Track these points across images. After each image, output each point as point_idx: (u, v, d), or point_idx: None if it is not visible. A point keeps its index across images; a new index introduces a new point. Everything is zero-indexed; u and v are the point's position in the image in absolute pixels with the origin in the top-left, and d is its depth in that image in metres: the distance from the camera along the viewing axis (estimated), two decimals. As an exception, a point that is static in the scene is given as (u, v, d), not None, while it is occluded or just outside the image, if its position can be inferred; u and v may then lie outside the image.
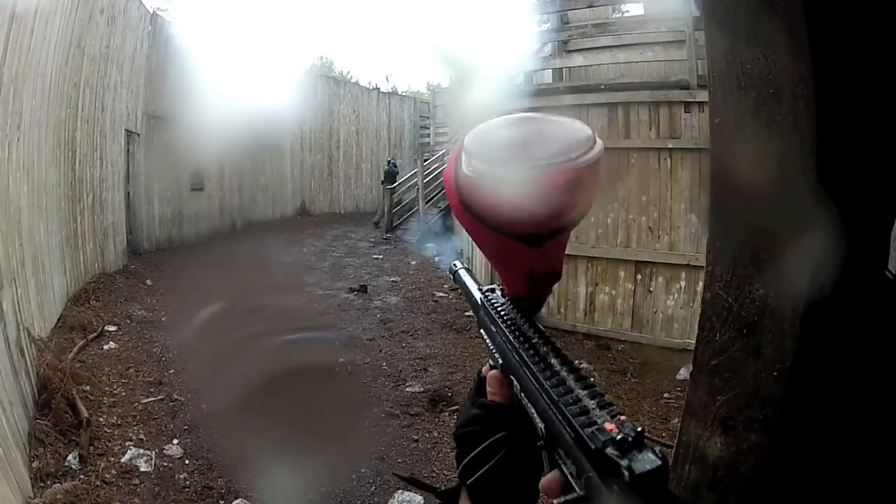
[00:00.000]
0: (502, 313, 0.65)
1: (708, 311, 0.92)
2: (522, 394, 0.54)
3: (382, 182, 13.94)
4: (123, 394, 4.31)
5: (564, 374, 0.50)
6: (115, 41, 7.78)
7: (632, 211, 5.56)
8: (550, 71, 7.49)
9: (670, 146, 5.28)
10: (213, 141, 8.55)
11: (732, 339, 0.86)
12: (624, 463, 0.38)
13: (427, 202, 12.28)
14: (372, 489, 3.43)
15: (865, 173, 0.75)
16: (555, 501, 0.46)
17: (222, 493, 3.31)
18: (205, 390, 4.38)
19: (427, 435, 4.03)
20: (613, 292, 5.72)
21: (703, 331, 0.92)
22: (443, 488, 0.66)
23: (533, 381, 0.52)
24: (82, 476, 3.19)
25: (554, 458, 0.47)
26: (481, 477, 0.58)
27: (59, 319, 5.22)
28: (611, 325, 5.72)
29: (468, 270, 0.81)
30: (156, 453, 3.59)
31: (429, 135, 18.11)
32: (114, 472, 3.33)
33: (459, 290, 0.83)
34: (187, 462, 3.58)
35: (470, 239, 0.70)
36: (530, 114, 0.65)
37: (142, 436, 3.78)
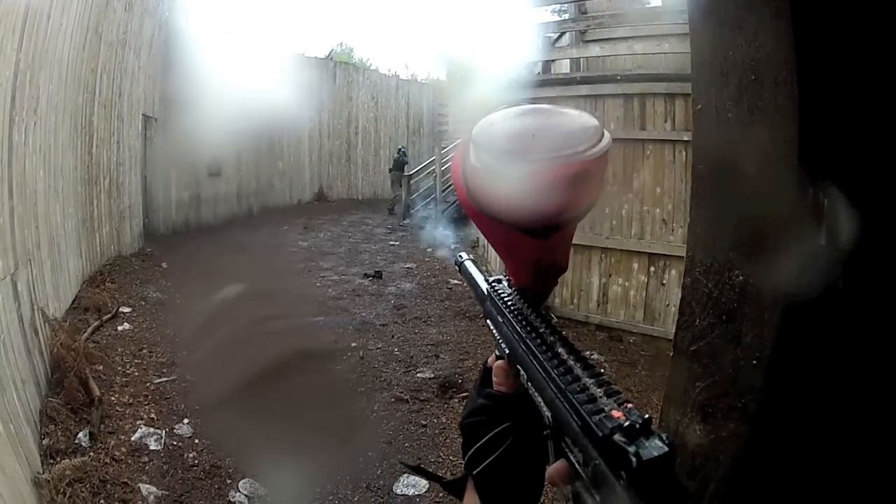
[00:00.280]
0: (509, 303, 0.65)
1: (688, 297, 0.91)
2: (529, 383, 0.54)
3: (391, 170, 14.31)
4: (136, 374, 4.36)
5: (572, 362, 0.50)
6: (133, 26, 7.81)
7: (646, 203, 5.53)
8: (568, 61, 7.41)
9: (686, 138, 5.16)
10: (231, 126, 8.58)
11: (712, 325, 0.86)
12: (631, 449, 0.38)
13: (444, 190, 12.20)
14: (378, 472, 3.42)
15: (849, 160, 0.73)
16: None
17: (230, 472, 3.33)
18: (217, 372, 4.40)
19: (435, 420, 4.00)
20: (626, 284, 5.68)
21: (683, 315, 0.91)
22: (449, 477, 0.67)
23: (540, 370, 0.52)
24: (92, 453, 3.22)
25: (560, 446, 0.47)
26: (487, 467, 0.58)
27: (74, 300, 5.29)
28: (623, 317, 5.70)
29: (474, 262, 0.82)
30: (166, 432, 3.62)
31: (447, 122, 17.96)
32: (123, 449, 3.37)
33: (465, 282, 0.85)
34: (196, 441, 3.61)
35: (485, 228, 0.72)
36: (539, 105, 0.65)
37: (153, 415, 3.81)
